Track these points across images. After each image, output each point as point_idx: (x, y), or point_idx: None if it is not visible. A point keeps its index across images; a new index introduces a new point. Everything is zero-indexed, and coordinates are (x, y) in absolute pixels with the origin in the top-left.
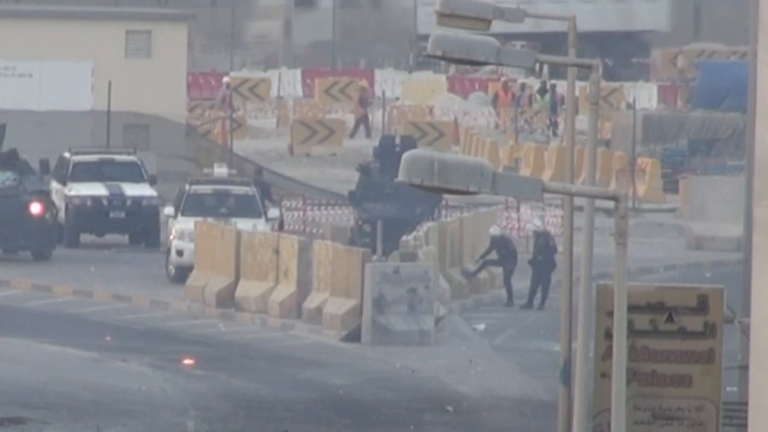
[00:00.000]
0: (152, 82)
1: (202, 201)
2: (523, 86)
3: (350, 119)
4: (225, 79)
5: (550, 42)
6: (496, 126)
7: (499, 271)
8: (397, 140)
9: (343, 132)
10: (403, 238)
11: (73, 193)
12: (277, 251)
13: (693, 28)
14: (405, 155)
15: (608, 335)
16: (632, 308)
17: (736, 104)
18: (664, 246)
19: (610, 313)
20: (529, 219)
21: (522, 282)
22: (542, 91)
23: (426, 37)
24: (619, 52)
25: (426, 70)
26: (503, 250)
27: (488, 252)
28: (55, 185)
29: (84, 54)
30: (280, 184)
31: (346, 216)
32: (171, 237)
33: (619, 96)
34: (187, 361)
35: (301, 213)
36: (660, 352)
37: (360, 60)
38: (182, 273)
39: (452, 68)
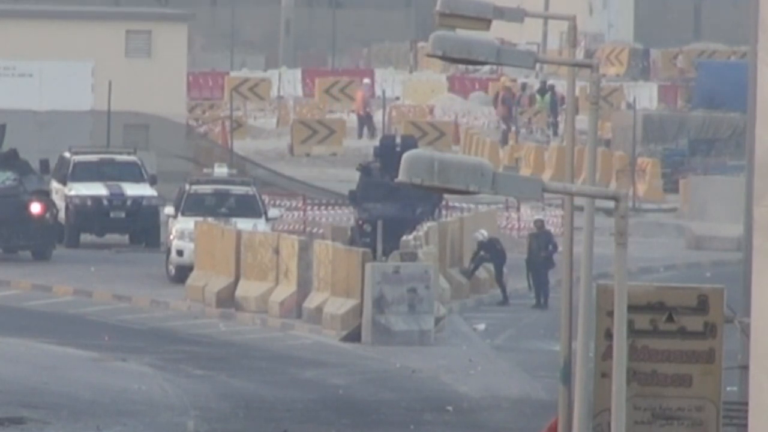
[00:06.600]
0: (152, 82)
1: (202, 201)
2: (524, 86)
3: (352, 119)
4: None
5: None
6: (497, 126)
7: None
8: (398, 140)
9: (344, 132)
10: (403, 238)
11: (73, 192)
12: (277, 251)
13: (693, 28)
14: (405, 155)
15: (608, 335)
16: (632, 308)
17: (735, 106)
18: (664, 246)
19: (610, 313)
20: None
21: (519, 282)
22: (542, 91)
23: None
24: None
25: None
26: (492, 251)
27: (477, 253)
28: (55, 185)
29: (84, 54)
30: (280, 183)
31: (346, 216)
32: (171, 237)
33: (619, 96)
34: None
35: (301, 213)
36: (660, 351)
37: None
38: (182, 273)
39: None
